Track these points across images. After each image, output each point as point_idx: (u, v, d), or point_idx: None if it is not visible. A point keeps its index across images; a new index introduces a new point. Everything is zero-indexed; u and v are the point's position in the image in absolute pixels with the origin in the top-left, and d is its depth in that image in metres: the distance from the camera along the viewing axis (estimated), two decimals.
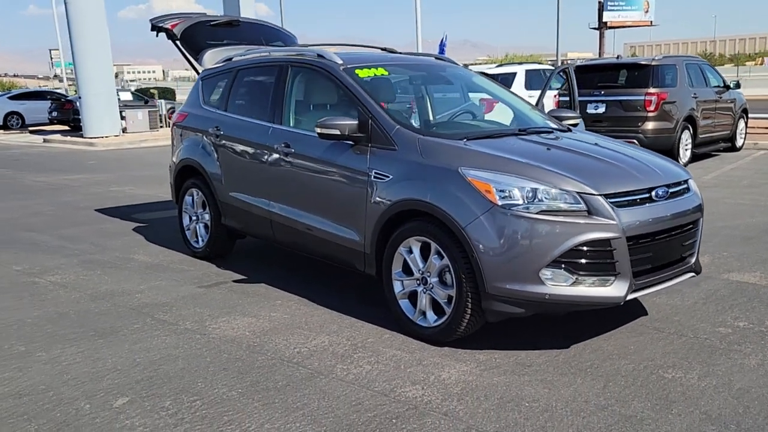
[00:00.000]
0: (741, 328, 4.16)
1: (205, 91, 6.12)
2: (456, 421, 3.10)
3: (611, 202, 3.63)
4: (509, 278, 3.61)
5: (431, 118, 5.09)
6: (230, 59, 6.02)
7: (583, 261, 3.58)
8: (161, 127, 22.15)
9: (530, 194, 3.62)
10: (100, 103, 19.69)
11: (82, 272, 5.71)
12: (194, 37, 6.47)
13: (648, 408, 3.19)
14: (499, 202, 3.63)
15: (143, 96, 24.11)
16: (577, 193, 3.61)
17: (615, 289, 3.62)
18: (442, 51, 16.54)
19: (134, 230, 7.38)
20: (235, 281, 5.36)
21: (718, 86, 12.55)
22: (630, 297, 3.67)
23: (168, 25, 6.50)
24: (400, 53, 5.83)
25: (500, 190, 3.65)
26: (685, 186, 4.12)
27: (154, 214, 8.25)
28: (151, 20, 6.87)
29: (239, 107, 5.62)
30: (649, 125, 10.69)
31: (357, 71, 4.75)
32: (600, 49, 45.09)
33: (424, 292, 4.02)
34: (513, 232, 3.59)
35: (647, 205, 3.78)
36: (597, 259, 3.59)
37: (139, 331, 4.31)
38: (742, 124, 13.41)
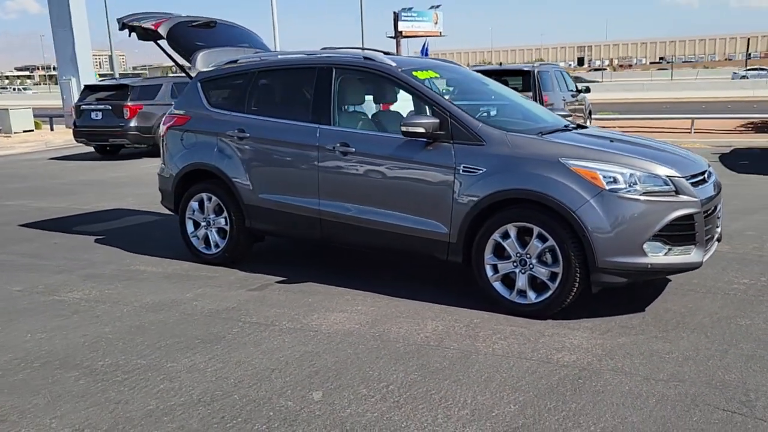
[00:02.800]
0: (749, 284, 5.10)
1: (208, 93, 5.99)
2: (629, 375, 3.59)
3: (690, 183, 4.34)
4: (617, 252, 4.18)
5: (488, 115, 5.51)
6: (235, 62, 5.97)
7: (674, 233, 4.25)
8: None
9: (630, 179, 4.22)
10: None
11: (100, 287, 5.36)
12: (179, 38, 6.28)
13: (758, 348, 3.91)
14: (607, 187, 4.19)
15: None
16: (667, 176, 4.28)
17: (695, 256, 4.34)
18: (426, 56, 16.77)
19: (98, 242, 6.91)
20: (278, 282, 5.38)
21: (573, 90, 14.22)
22: (703, 261, 4.41)
23: (149, 25, 6.24)
24: (402, 57, 6.17)
25: (605, 176, 4.21)
26: (710, 170, 4.96)
27: (100, 226, 7.72)
28: (119, 19, 6.53)
29: (266, 109, 5.61)
30: None
31: (414, 73, 5.05)
32: None
33: (523, 273, 4.46)
34: (621, 211, 4.16)
35: (702, 186, 4.54)
36: (684, 231, 4.28)
37: (244, 335, 4.27)
38: (589, 123, 15.28)
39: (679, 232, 4.27)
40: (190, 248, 6.03)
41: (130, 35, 6.54)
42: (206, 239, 5.95)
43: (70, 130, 20.81)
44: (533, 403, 3.30)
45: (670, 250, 4.26)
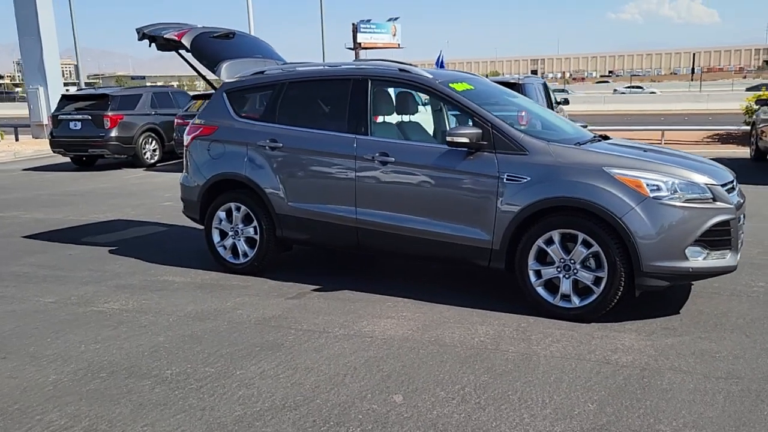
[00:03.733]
0: (766, 287, 5.35)
1: (235, 103, 6.03)
2: (689, 374, 3.77)
3: (725, 191, 4.57)
4: (661, 257, 4.38)
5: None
6: (261, 73, 6.02)
7: (713, 238, 4.46)
8: None
9: (672, 187, 4.42)
10: None
11: (135, 298, 5.33)
12: (202, 48, 6.29)
13: None
14: (651, 195, 4.39)
15: None
16: (705, 184, 4.50)
17: (731, 260, 4.56)
18: (442, 67, 16.75)
19: (113, 253, 6.84)
20: (314, 290, 5.43)
21: (554, 102, 14.57)
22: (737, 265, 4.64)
23: (171, 35, 6.25)
24: (434, 69, 6.29)
25: (649, 185, 4.41)
26: (735, 180, 5.20)
27: (107, 237, 7.64)
28: (139, 29, 6.52)
29: (299, 119, 5.67)
30: None
31: (451, 85, 5.19)
32: None
33: (566, 278, 4.62)
34: (665, 218, 4.36)
35: (731, 194, 4.78)
36: (721, 236, 4.50)
37: (301, 342, 4.32)
38: None
39: (717, 237, 4.49)
40: (217, 258, 6.04)
41: (150, 45, 6.55)
42: (233, 249, 5.96)
43: (38, 140, 20.50)
44: (609, 402, 3.44)
45: (708, 254, 4.47)
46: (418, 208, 5.07)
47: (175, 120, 14.07)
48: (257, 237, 5.82)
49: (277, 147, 5.63)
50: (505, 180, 4.73)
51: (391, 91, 5.57)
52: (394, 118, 5.70)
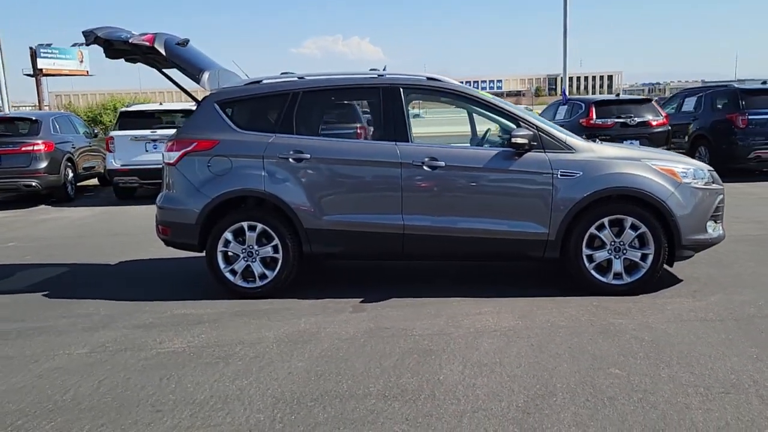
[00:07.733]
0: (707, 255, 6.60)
1: (233, 115, 5.59)
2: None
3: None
4: (693, 231, 5.27)
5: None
6: (257, 82, 5.70)
7: (717, 214, 5.49)
8: None
9: (692, 173, 5.36)
10: None
11: (188, 334, 4.69)
12: (178, 55, 5.70)
13: None
14: (683, 181, 5.26)
15: None
16: (708, 170, 5.52)
17: (722, 231, 5.63)
18: None
19: (52, 297, 5.76)
20: (362, 302, 5.29)
21: None
22: None
23: (139, 40, 5.56)
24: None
25: (681, 172, 5.29)
26: None
27: (11, 283, 6.34)
28: (90, 31, 5.69)
29: (323, 129, 5.50)
30: None
31: (481, 92, 5.55)
32: (38, 96, 44.42)
33: (617, 258, 5.28)
34: (694, 199, 5.27)
35: None
36: (719, 212, 5.54)
37: (445, 345, 4.28)
38: None
39: (718, 213, 5.52)
40: (225, 284, 5.50)
41: (106, 53, 5.75)
42: (246, 272, 5.49)
43: None
44: (758, 345, 4.11)
45: (714, 227, 5.48)
46: (472, 208, 5.30)
47: None
48: (278, 256, 5.45)
49: (303, 158, 5.38)
50: (559, 176, 5.22)
51: (426, 99, 5.70)
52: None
